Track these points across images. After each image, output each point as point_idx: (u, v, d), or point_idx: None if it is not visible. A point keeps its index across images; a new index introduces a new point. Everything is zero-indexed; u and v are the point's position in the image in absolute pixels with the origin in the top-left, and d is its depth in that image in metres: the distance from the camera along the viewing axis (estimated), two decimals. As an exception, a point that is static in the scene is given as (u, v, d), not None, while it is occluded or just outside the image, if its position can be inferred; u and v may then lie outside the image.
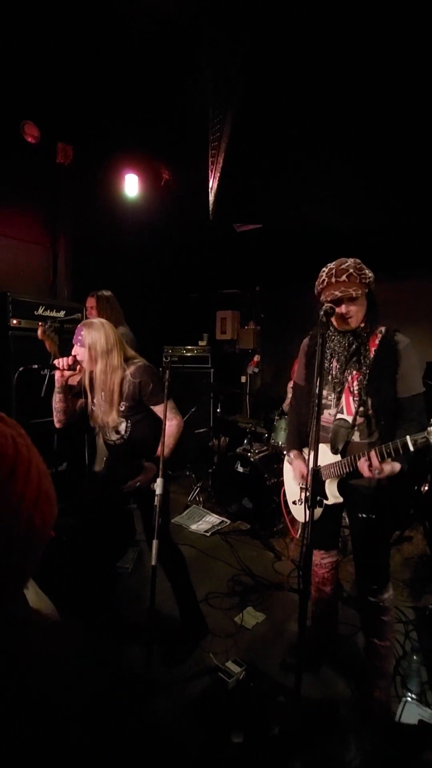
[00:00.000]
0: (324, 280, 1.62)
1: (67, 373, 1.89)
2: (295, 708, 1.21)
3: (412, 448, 1.40)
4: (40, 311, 3.31)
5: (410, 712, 1.77)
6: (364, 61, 1.41)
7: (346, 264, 1.59)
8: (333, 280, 1.58)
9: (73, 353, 1.88)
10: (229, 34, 1.42)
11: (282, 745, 0.88)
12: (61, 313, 3.40)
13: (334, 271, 1.59)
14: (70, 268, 4.09)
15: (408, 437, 1.41)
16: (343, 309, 1.59)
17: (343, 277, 1.56)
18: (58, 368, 1.87)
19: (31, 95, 3.19)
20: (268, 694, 1.72)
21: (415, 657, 1.89)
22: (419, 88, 1.74)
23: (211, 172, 1.76)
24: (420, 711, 1.77)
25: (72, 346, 1.90)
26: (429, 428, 1.38)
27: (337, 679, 1.96)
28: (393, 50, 1.48)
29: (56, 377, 1.90)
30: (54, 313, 3.37)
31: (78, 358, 1.88)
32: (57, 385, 1.91)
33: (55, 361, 1.88)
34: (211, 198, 1.80)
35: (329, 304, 1.58)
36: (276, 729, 0.93)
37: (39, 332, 2.22)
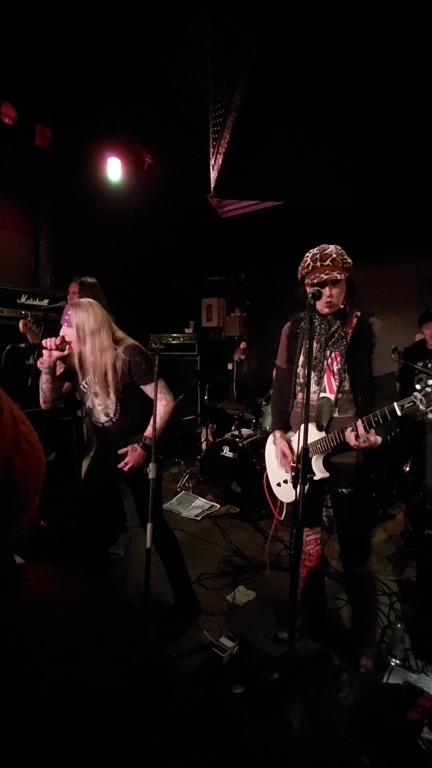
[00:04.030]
0: (309, 264, 1.70)
1: (55, 353, 1.87)
2: (292, 653, 1.29)
3: (399, 413, 1.49)
4: (23, 300, 3.24)
5: (396, 676, 1.87)
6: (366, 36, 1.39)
7: (329, 249, 1.68)
8: (318, 264, 1.67)
9: (61, 333, 1.87)
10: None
11: (281, 689, 0.94)
12: (45, 302, 3.34)
13: (318, 255, 1.68)
14: (52, 255, 4.00)
15: (395, 403, 1.49)
16: (327, 292, 1.68)
17: (327, 261, 1.65)
18: (46, 348, 1.85)
19: (6, 74, 3.08)
20: (260, 665, 1.80)
21: (399, 625, 1.99)
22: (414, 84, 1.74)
23: (213, 148, 1.75)
24: (405, 676, 1.87)
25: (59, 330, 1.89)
26: (415, 393, 1.46)
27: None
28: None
29: (44, 357, 1.88)
30: (37, 302, 3.31)
31: (66, 338, 1.86)
32: (44, 365, 1.90)
33: (44, 341, 1.86)
34: (214, 174, 1.79)
35: (316, 288, 1.63)
36: (276, 675, 0.99)
37: (21, 326, 2.16)
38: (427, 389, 1.43)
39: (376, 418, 1.53)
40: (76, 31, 2.64)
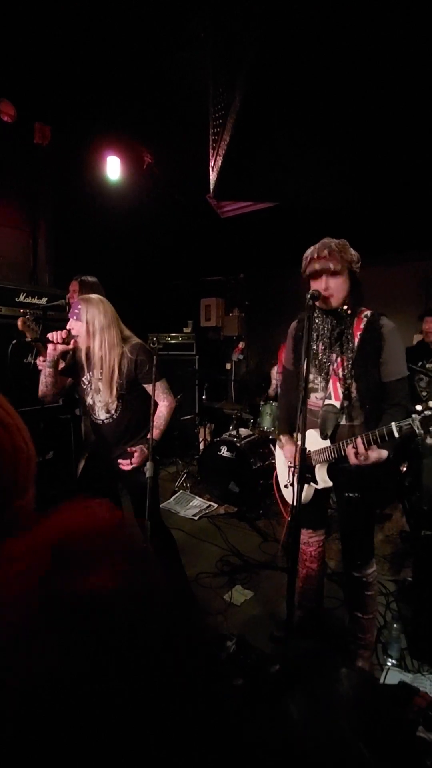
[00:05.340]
0: (308, 257, 1.67)
1: (60, 347, 1.85)
2: (293, 646, 1.28)
3: (397, 435, 1.46)
4: (21, 298, 3.23)
5: (392, 677, 1.87)
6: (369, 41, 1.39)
7: (329, 241, 1.65)
8: (315, 255, 1.65)
9: (68, 327, 1.86)
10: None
11: (281, 681, 0.94)
12: (43, 300, 3.33)
13: (317, 248, 1.66)
14: (50, 253, 4.00)
15: (393, 424, 1.47)
16: (322, 284, 1.63)
17: (325, 252, 1.63)
18: (52, 341, 1.84)
19: (6, 72, 3.07)
20: (258, 664, 1.80)
21: (395, 625, 2.00)
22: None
23: (212, 150, 1.74)
24: (401, 676, 1.88)
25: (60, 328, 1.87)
26: (413, 415, 1.43)
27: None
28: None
29: (48, 351, 1.86)
30: (35, 300, 3.30)
31: (73, 332, 1.86)
32: (48, 358, 1.88)
33: (49, 334, 1.85)
34: (213, 176, 1.78)
35: (315, 289, 1.62)
36: (276, 666, 0.99)
37: (19, 324, 2.15)
38: (426, 412, 1.40)
39: (374, 437, 1.50)
40: (76, 30, 2.64)
